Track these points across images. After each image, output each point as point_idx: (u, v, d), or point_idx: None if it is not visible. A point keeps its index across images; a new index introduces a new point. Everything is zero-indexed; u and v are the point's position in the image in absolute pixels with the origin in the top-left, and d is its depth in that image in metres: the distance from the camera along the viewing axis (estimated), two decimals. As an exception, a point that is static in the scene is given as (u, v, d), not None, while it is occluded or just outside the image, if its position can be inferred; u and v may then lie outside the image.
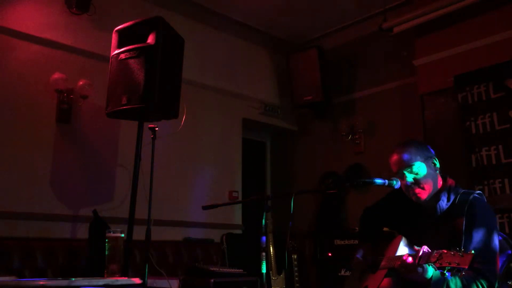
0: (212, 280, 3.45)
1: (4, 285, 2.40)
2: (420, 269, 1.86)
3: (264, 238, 2.35)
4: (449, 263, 1.68)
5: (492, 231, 2.06)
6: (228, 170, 5.11)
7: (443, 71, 4.32)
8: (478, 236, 2.02)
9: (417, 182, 2.21)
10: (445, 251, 1.72)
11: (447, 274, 1.70)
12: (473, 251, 1.68)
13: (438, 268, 1.72)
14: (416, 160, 2.22)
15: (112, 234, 2.91)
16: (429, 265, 1.83)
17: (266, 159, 6.16)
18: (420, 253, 1.85)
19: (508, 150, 3.77)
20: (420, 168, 2.21)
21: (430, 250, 1.83)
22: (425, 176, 2.21)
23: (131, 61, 3.17)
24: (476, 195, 2.17)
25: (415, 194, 2.22)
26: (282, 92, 5.75)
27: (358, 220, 2.68)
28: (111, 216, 3.72)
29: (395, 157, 2.27)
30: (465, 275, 1.81)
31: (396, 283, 2.11)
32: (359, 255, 2.50)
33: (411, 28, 4.54)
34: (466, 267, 1.65)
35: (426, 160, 2.24)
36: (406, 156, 2.23)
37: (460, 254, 1.68)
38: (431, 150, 2.31)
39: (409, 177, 2.22)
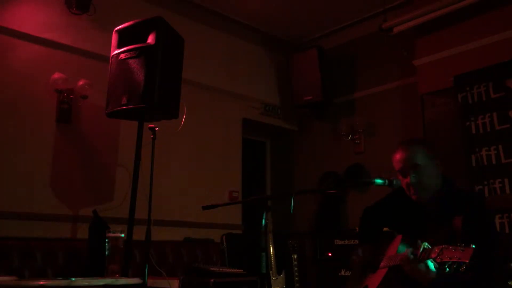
0: (212, 280, 3.46)
1: (4, 285, 2.40)
2: (422, 267, 1.86)
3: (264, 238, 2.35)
4: (450, 258, 1.68)
5: (491, 227, 2.06)
6: (228, 170, 5.11)
7: (443, 71, 4.32)
8: (476, 231, 2.01)
9: (419, 181, 2.20)
10: (446, 246, 1.71)
11: (447, 269, 1.69)
12: (473, 246, 1.67)
13: (439, 264, 1.72)
14: (420, 159, 2.21)
15: (112, 234, 2.92)
16: (430, 261, 1.83)
17: (266, 159, 6.16)
18: (421, 249, 1.85)
19: (508, 150, 3.77)
20: (424, 167, 2.20)
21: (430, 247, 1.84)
22: (428, 176, 2.20)
23: (131, 61, 3.17)
24: (475, 194, 2.18)
25: (416, 194, 2.22)
26: (282, 92, 5.75)
27: (358, 220, 2.68)
28: (111, 216, 3.71)
29: (399, 155, 2.26)
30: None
31: (396, 283, 2.11)
32: (358, 253, 2.50)
33: (411, 28, 4.54)
34: (467, 261, 1.64)
35: (431, 160, 2.22)
36: (411, 155, 2.22)
37: (461, 248, 1.68)
38: (436, 150, 2.30)
39: (412, 176, 2.21)
